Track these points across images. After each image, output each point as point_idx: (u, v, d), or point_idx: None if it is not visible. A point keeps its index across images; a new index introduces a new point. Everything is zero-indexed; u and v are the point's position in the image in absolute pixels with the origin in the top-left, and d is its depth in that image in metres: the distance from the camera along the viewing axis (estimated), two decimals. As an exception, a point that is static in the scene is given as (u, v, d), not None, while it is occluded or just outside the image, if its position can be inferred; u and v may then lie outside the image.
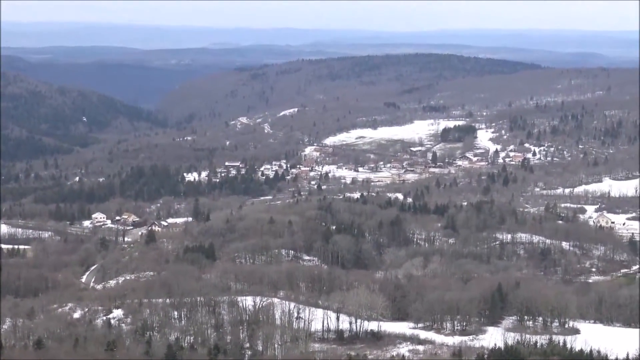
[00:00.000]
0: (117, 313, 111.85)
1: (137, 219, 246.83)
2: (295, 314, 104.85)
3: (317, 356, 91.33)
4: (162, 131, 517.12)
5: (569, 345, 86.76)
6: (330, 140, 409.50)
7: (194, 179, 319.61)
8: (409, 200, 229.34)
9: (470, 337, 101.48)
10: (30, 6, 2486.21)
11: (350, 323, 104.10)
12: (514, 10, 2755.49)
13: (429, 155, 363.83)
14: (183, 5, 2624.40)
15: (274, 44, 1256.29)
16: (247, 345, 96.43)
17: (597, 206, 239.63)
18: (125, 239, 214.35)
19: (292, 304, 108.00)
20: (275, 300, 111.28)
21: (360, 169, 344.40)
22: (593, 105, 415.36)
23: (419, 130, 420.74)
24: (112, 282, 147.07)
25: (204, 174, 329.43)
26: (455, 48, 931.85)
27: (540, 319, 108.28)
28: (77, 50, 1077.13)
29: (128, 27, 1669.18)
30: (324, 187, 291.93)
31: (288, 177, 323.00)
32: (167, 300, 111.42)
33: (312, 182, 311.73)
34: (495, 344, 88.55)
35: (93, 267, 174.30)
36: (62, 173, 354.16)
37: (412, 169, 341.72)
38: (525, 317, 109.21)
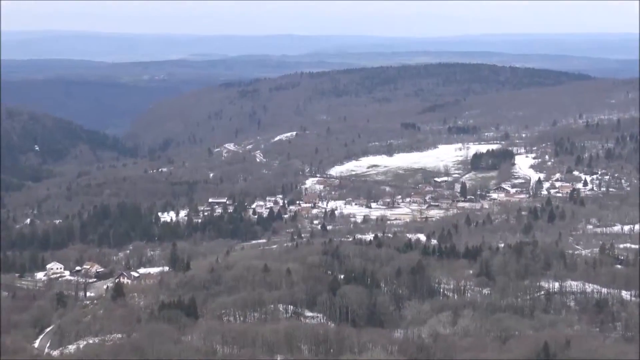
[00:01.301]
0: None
1: (102, 269, 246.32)
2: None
3: None
4: (132, 161, 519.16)
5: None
6: (336, 171, 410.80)
7: (171, 219, 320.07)
8: (434, 242, 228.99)
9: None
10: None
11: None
12: (548, 12, 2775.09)
13: (457, 187, 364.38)
14: (158, 10, 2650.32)
15: (267, 54, 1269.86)
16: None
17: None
18: (88, 293, 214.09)
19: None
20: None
21: (373, 204, 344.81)
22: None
23: (444, 156, 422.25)
24: (72, 347, 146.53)
25: (182, 214, 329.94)
26: (484, 56, 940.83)
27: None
28: (29, 64, 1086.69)
29: (91, 36, 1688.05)
30: (329, 227, 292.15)
31: (285, 216, 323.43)
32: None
33: (315, 222, 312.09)
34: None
35: (48, 329, 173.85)
36: (9, 214, 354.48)
37: (436, 203, 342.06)
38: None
